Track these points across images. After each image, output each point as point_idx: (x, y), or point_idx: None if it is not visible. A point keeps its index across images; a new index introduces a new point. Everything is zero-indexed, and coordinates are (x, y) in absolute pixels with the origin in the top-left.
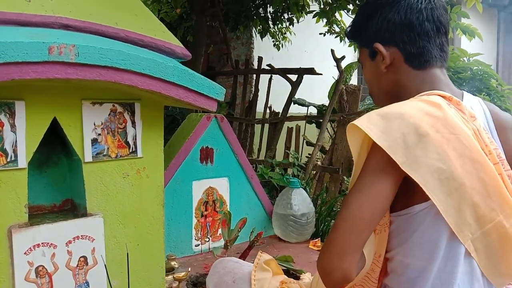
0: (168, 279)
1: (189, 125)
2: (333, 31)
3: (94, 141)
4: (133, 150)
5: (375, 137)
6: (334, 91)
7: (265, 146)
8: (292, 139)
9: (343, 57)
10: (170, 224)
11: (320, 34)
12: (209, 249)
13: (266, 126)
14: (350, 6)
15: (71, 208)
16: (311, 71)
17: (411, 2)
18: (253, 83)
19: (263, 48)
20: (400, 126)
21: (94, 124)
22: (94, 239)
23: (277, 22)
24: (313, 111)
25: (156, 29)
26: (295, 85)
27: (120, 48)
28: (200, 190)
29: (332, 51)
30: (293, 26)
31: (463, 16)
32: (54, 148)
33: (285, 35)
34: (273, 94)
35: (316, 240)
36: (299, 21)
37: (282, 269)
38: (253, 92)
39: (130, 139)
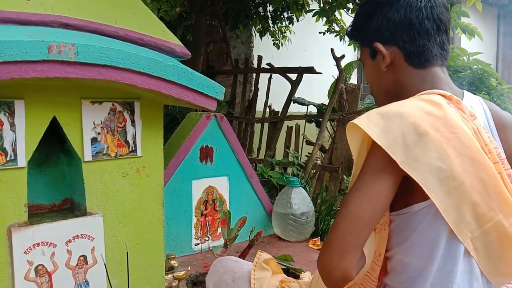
0: (168, 278)
1: (189, 124)
2: (332, 30)
3: (94, 140)
4: (133, 149)
5: (375, 136)
6: (334, 90)
7: (264, 145)
8: (292, 138)
9: (342, 56)
10: (169, 223)
11: (320, 33)
12: (209, 248)
13: (266, 125)
14: (350, 5)
15: (71, 207)
16: (310, 70)
17: (411, 1)
18: (253, 82)
19: (262, 47)
20: (400, 125)
21: (94, 123)
22: (93, 238)
23: (277, 21)
24: (312, 110)
25: (156, 28)
26: (294, 84)
27: (119, 47)
28: (200, 189)
29: (332, 50)
30: (292, 25)
31: (462, 15)
32: (54, 147)
33: (285, 34)
34: (272, 93)
35: (316, 239)
36: (299, 20)
37: (282, 268)
38: (252, 91)
39: (129, 138)
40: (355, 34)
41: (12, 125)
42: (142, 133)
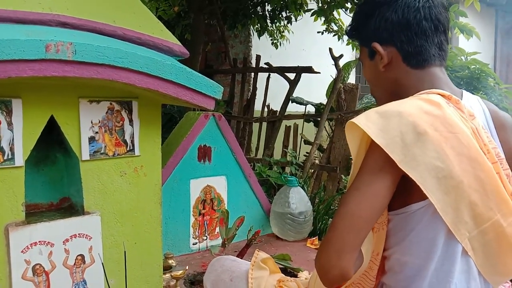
0: (166, 277)
1: (187, 124)
2: (331, 30)
3: (92, 139)
4: (131, 148)
5: (373, 135)
6: (332, 89)
7: (263, 144)
8: (290, 137)
9: (341, 56)
10: (167, 223)
11: (318, 32)
12: (207, 247)
13: (264, 124)
14: (348, 5)
15: (69, 206)
16: (309, 69)
17: (409, 1)
18: (251, 82)
19: (261, 47)
20: (399, 124)
21: (92, 122)
22: (91, 238)
23: (275, 21)
24: (311, 109)
25: (154, 27)
26: (293, 84)
27: (117, 46)
28: (198, 188)
29: (330, 49)
30: (291, 24)
31: (461, 15)
32: (52, 146)
33: (283, 34)
34: (271, 93)
35: (314, 238)
36: (297, 19)
37: (280, 268)
38: (251, 91)
39: (127, 137)
40: (354, 34)
41: (10, 124)
42: (140, 132)
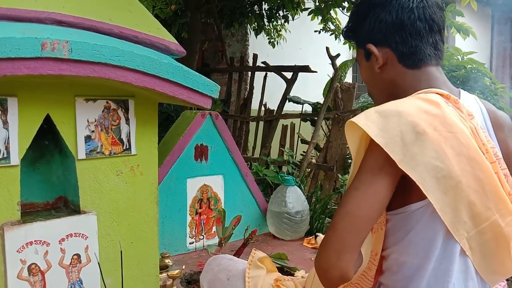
0: (162, 277)
1: (184, 123)
2: (328, 29)
3: (88, 138)
4: (127, 147)
5: (373, 135)
6: (329, 89)
7: (259, 143)
8: (287, 137)
9: (338, 55)
10: (164, 222)
11: (315, 31)
12: (203, 246)
13: (261, 123)
14: (345, 4)
15: (64, 205)
16: (306, 68)
17: (403, 2)
18: (248, 81)
19: (258, 46)
20: (398, 124)
21: (88, 121)
22: (87, 237)
23: (272, 20)
24: (308, 109)
25: (151, 25)
26: (290, 83)
27: (114, 45)
28: (195, 187)
29: (327, 48)
30: (288, 23)
31: (457, 14)
32: (47, 145)
33: (280, 33)
34: (268, 92)
35: (311, 237)
36: (294, 18)
37: (276, 267)
38: (248, 90)
39: (124, 136)
40: (350, 35)
41: (5, 122)
42: (137, 131)
